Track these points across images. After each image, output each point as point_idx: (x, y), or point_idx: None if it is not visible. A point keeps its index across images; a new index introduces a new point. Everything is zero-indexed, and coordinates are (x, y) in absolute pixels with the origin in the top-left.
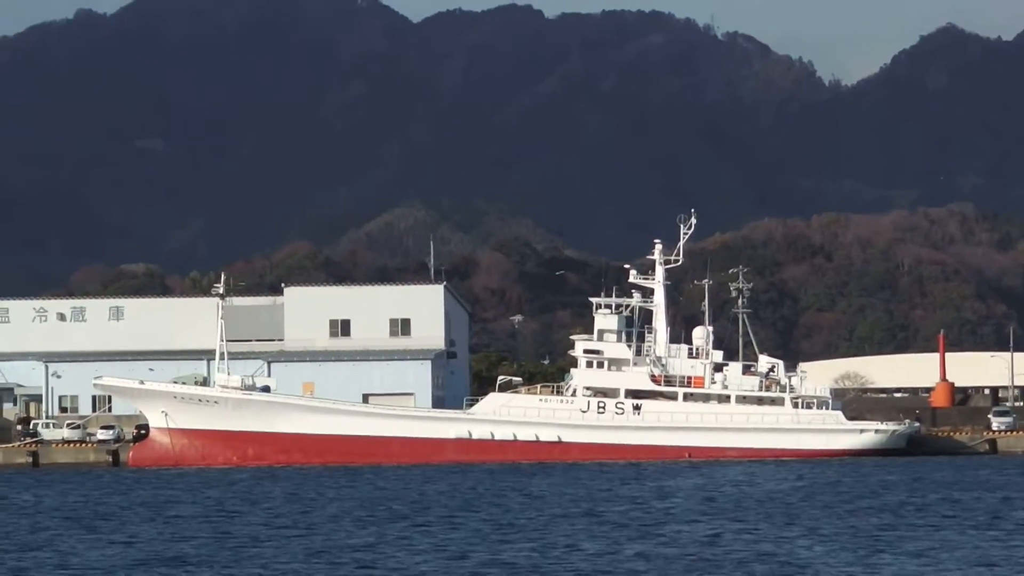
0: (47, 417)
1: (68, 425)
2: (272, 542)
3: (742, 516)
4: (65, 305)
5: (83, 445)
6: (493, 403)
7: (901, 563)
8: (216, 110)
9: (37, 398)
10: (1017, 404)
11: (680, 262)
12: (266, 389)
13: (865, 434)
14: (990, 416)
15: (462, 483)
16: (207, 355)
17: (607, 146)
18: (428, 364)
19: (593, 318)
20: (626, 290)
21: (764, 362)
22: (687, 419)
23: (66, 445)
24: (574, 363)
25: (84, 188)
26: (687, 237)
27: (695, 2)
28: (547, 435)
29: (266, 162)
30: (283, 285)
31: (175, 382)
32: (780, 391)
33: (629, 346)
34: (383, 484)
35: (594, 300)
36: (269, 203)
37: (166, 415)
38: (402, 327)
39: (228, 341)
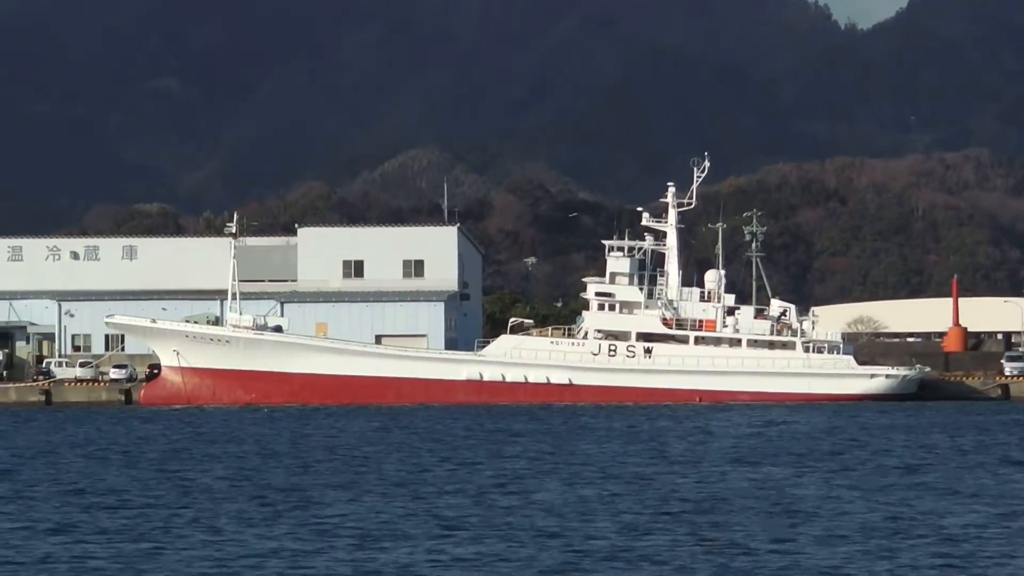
0: (60, 356)
1: (81, 364)
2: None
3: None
4: (78, 244)
5: (96, 384)
6: (504, 345)
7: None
8: (232, 50)
9: (50, 337)
10: None
11: (693, 205)
12: (278, 329)
13: (876, 379)
14: (1003, 361)
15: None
16: (220, 295)
17: (622, 89)
18: (441, 306)
19: (606, 261)
20: (639, 233)
21: (776, 306)
22: (698, 363)
23: (79, 384)
24: (586, 306)
25: (99, 127)
26: (700, 180)
27: None
28: (558, 377)
29: (281, 103)
30: (297, 225)
31: (187, 321)
32: (791, 335)
33: (641, 289)
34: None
35: (606, 243)
36: (283, 144)
37: (178, 354)
38: (415, 268)
39: (241, 281)
